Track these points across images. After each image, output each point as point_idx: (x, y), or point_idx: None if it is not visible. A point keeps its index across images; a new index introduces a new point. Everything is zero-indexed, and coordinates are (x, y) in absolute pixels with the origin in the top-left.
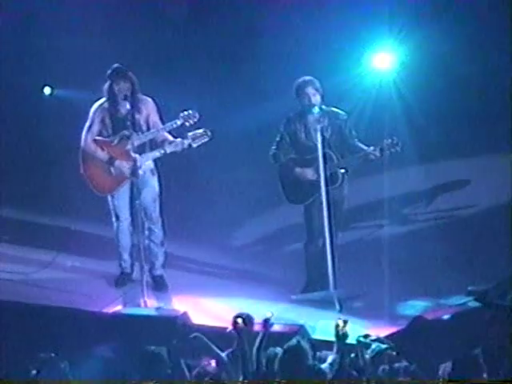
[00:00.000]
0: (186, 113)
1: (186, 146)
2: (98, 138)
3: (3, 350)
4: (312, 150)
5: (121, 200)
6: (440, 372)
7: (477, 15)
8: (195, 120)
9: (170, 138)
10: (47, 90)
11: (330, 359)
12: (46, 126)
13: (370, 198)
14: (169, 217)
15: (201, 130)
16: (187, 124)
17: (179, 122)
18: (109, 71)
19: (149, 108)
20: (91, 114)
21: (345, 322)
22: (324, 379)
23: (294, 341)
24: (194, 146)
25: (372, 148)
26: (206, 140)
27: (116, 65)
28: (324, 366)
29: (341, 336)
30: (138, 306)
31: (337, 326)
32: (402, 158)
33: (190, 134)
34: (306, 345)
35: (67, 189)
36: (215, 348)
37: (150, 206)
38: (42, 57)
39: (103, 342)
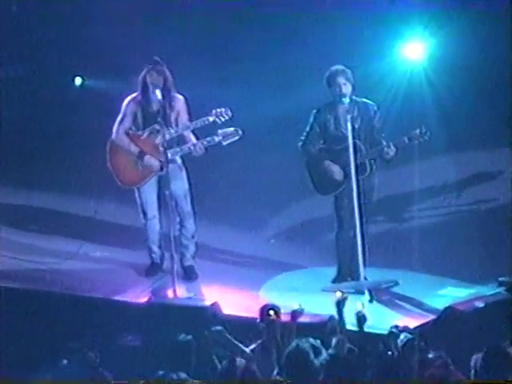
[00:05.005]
0: (218, 110)
1: (215, 142)
2: (129, 131)
3: (32, 340)
4: (341, 141)
5: (148, 196)
6: (472, 363)
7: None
8: (227, 118)
9: (194, 139)
10: (78, 81)
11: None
12: (76, 116)
13: (402, 187)
14: (198, 208)
15: (232, 129)
16: (218, 121)
17: (211, 119)
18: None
19: (180, 105)
20: (124, 106)
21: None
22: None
23: (293, 345)
24: (224, 143)
25: (385, 144)
26: (236, 138)
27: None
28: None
29: (358, 319)
30: (168, 295)
31: (338, 302)
32: (433, 148)
33: (220, 131)
34: (306, 346)
35: (95, 179)
36: (238, 343)
37: (182, 201)
38: (74, 47)
39: (133, 332)
